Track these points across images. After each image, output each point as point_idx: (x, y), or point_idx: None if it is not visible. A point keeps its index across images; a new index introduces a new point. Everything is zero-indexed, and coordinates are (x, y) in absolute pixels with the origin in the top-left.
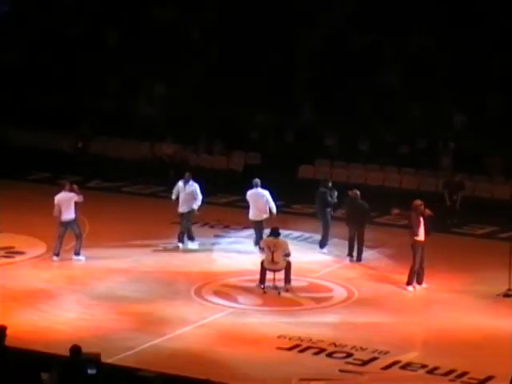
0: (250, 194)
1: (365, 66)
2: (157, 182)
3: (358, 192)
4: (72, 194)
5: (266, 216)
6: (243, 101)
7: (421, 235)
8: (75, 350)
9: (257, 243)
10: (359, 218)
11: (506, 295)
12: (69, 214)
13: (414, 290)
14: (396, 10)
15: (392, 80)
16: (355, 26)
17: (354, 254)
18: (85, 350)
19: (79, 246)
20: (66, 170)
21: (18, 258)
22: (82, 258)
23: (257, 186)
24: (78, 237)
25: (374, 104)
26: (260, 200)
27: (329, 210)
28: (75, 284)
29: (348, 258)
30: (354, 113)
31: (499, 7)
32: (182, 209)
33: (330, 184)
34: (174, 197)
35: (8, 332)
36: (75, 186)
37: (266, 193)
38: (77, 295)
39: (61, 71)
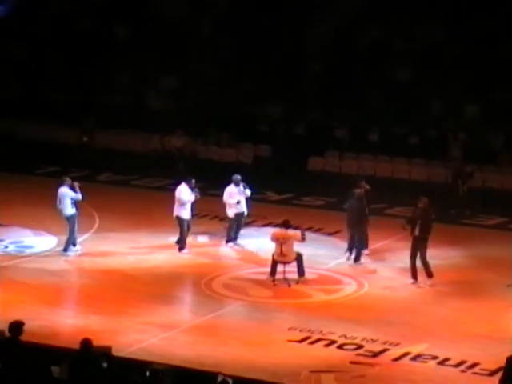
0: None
1: (375, 57)
2: (166, 174)
3: (363, 189)
4: (68, 191)
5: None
6: (252, 93)
7: (416, 230)
8: (86, 343)
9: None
10: (356, 218)
11: None
12: (66, 210)
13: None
14: (407, 2)
15: (402, 71)
16: (367, 18)
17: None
18: (96, 343)
19: (68, 241)
20: (74, 164)
21: (28, 251)
22: (68, 253)
23: (236, 183)
24: (70, 233)
25: (383, 95)
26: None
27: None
28: (85, 278)
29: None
30: (364, 104)
31: None
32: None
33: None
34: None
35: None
36: (77, 184)
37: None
38: (87, 289)
39: (70, 65)
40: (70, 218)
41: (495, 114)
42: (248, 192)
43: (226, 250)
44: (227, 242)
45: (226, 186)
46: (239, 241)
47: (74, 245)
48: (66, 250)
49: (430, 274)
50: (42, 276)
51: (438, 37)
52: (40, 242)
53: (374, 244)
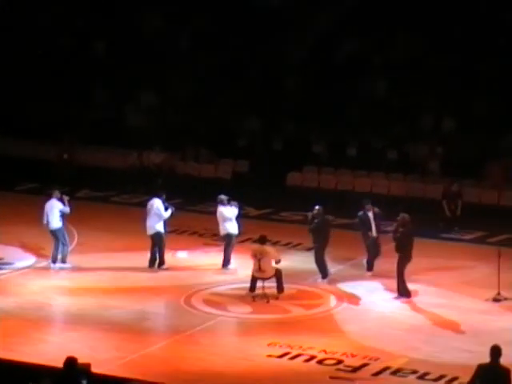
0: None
1: (352, 72)
2: (145, 191)
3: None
4: (57, 203)
5: (223, 232)
6: (231, 109)
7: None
8: (71, 361)
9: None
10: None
11: (496, 300)
12: (53, 223)
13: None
14: (381, 16)
15: (379, 86)
16: (342, 34)
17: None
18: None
19: (60, 253)
20: (54, 181)
21: (7, 269)
22: (57, 266)
23: (222, 203)
24: (59, 246)
25: (361, 110)
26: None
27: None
28: (64, 295)
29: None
30: (342, 119)
31: (487, 8)
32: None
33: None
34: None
35: None
36: (66, 197)
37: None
38: (66, 306)
39: (48, 81)
40: (57, 231)
41: (472, 128)
42: (235, 211)
43: (206, 264)
44: (224, 265)
45: (204, 201)
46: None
47: (54, 261)
48: (64, 261)
49: (405, 293)
50: (20, 293)
51: (415, 50)
52: (19, 258)
53: (352, 259)
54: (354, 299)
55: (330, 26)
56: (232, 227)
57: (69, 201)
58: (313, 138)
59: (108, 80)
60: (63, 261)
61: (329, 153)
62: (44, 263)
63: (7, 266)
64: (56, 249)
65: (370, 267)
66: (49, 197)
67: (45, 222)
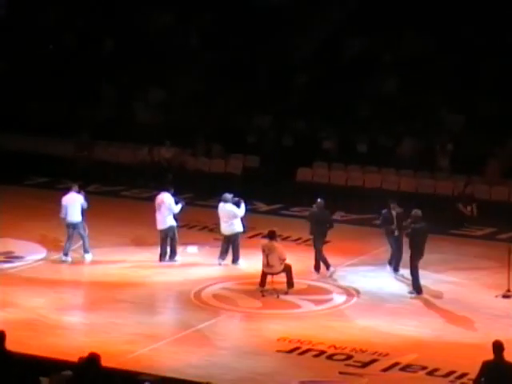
0: (219, 207)
1: (362, 69)
2: (155, 186)
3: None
4: (79, 196)
5: (232, 230)
6: (241, 104)
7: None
8: (94, 358)
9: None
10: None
11: (505, 296)
12: (74, 216)
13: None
14: (391, 14)
15: (389, 83)
16: (352, 30)
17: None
18: (84, 354)
19: (86, 245)
20: (64, 175)
21: (18, 262)
22: (90, 256)
23: (225, 201)
24: (83, 238)
25: (371, 106)
26: (227, 215)
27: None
28: (75, 288)
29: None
30: (352, 115)
31: (493, 8)
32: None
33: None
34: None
35: (9, 336)
36: (82, 191)
37: (234, 208)
38: (77, 299)
39: (58, 78)
40: (79, 224)
41: (481, 125)
42: (243, 208)
43: (215, 259)
44: (234, 261)
45: (214, 197)
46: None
47: (66, 254)
48: (87, 251)
49: (416, 289)
50: (31, 287)
51: (424, 48)
52: (30, 252)
53: (362, 255)
54: (364, 294)
55: (338, 24)
56: (239, 225)
57: (86, 195)
58: (323, 134)
59: (117, 77)
60: (86, 251)
61: (339, 149)
62: (55, 256)
63: (18, 260)
64: (70, 242)
65: (395, 266)
66: (67, 191)
67: (63, 215)
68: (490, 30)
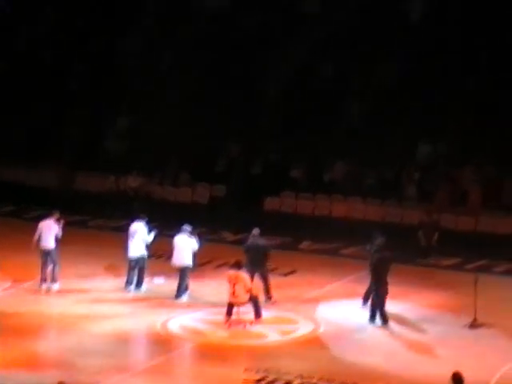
0: (176, 238)
1: (330, 98)
2: (122, 215)
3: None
4: (54, 224)
5: (187, 264)
6: (209, 133)
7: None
8: None
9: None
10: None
11: (472, 326)
12: (47, 242)
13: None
14: (361, 43)
15: (356, 112)
16: (321, 59)
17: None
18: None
19: (55, 274)
20: (33, 203)
21: None
22: (57, 285)
23: (185, 232)
24: (54, 266)
25: (338, 136)
26: (186, 247)
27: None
28: (41, 318)
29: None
30: (320, 144)
31: (462, 35)
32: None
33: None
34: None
35: None
36: (62, 221)
37: (193, 242)
38: (43, 329)
39: (26, 104)
40: (52, 252)
41: (447, 155)
42: (197, 243)
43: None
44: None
45: (180, 226)
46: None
47: (43, 281)
48: (55, 280)
49: (383, 318)
50: None
51: (392, 77)
52: None
53: (329, 284)
54: (331, 324)
55: (308, 51)
56: (191, 259)
57: (64, 225)
58: (291, 163)
59: (85, 104)
60: (55, 280)
61: (307, 178)
62: (19, 287)
63: None
64: (45, 269)
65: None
66: (47, 216)
67: (36, 239)
68: (460, 56)
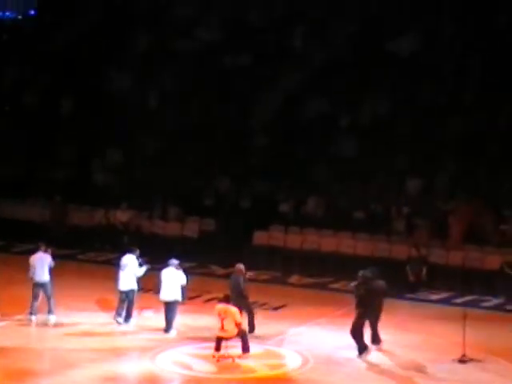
0: (164, 272)
1: (320, 132)
2: (111, 249)
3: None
4: (46, 256)
5: (175, 297)
6: (198, 166)
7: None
8: None
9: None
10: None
11: (461, 361)
12: (41, 276)
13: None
14: (351, 77)
15: (347, 146)
16: (310, 93)
17: None
18: None
19: (51, 306)
20: (20, 238)
21: None
22: (54, 317)
23: (172, 266)
24: (50, 298)
25: (328, 170)
26: (173, 280)
27: None
28: (30, 354)
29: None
30: (309, 179)
31: (454, 70)
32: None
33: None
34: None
35: None
36: (49, 250)
37: (180, 275)
38: (32, 365)
39: (16, 139)
40: (47, 284)
41: (438, 190)
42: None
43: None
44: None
45: (169, 260)
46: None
47: (33, 314)
48: (51, 312)
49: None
50: None
51: (383, 111)
52: None
53: (318, 318)
54: (319, 359)
55: (298, 85)
56: (179, 292)
57: (52, 254)
58: (280, 197)
59: (74, 137)
60: (51, 312)
61: (295, 212)
62: (8, 321)
63: None
64: (36, 301)
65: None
66: (37, 249)
67: (31, 274)
68: (450, 91)
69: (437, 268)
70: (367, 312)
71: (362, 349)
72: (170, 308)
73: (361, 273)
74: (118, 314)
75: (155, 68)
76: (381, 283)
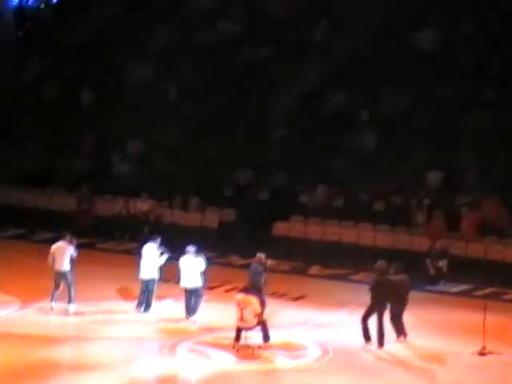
0: (182, 260)
1: (340, 125)
2: (131, 238)
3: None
4: (68, 246)
5: (196, 285)
6: (219, 157)
7: None
8: None
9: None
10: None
11: (481, 353)
12: (62, 265)
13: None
14: (370, 70)
15: (368, 138)
16: (331, 86)
17: None
18: None
19: (71, 295)
20: (41, 227)
21: None
22: (74, 306)
23: (189, 253)
24: (70, 287)
25: (349, 161)
26: (192, 267)
27: None
28: (49, 341)
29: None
30: (329, 170)
31: (474, 64)
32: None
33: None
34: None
35: None
36: (75, 241)
37: (200, 261)
38: (51, 352)
39: (37, 128)
40: (68, 274)
41: (459, 180)
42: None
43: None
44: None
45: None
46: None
47: (53, 301)
48: (71, 301)
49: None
50: (4, 339)
51: (402, 104)
52: (3, 305)
53: (338, 309)
54: (339, 350)
55: (318, 78)
56: (199, 279)
57: (77, 245)
58: (299, 189)
59: (94, 128)
60: (71, 301)
61: (315, 203)
62: (28, 309)
63: None
64: (56, 290)
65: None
66: (59, 238)
67: (50, 262)
68: (470, 86)
69: (457, 260)
70: (376, 304)
71: (365, 338)
72: (191, 295)
73: (376, 264)
74: (140, 304)
75: (176, 60)
76: (401, 277)
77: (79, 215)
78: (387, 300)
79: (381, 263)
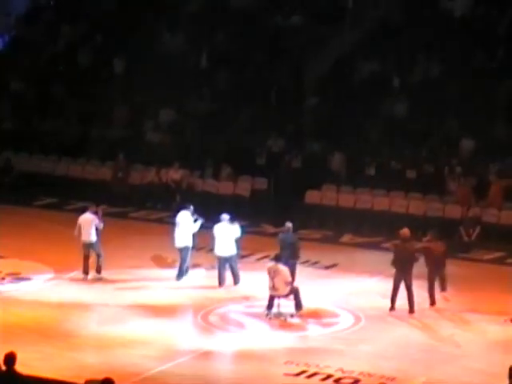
0: (216, 227)
1: (373, 91)
2: (163, 207)
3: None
4: (93, 217)
5: (231, 252)
6: (251, 126)
7: None
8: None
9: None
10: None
11: None
12: (87, 236)
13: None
14: (403, 38)
15: (400, 106)
16: (364, 54)
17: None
18: (93, 375)
19: (99, 265)
20: (74, 196)
21: (25, 283)
22: (101, 276)
23: (224, 221)
24: (98, 257)
25: (381, 129)
26: (226, 235)
27: None
28: (83, 310)
29: None
30: (362, 138)
31: (507, 31)
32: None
33: None
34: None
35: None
36: (100, 212)
37: (234, 229)
38: (85, 321)
39: (68, 98)
40: (94, 244)
41: (492, 149)
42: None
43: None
44: (237, 282)
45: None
46: None
47: (86, 273)
48: (99, 270)
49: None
50: (38, 308)
51: (435, 72)
52: (37, 273)
53: (370, 278)
54: (371, 318)
55: (349, 46)
56: (234, 246)
57: (102, 216)
58: (332, 157)
59: (127, 97)
60: (98, 271)
61: (347, 172)
62: (62, 278)
63: (25, 281)
64: (87, 261)
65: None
66: (85, 210)
67: (76, 233)
68: (502, 54)
69: (490, 228)
70: (398, 271)
71: (391, 304)
72: (225, 263)
73: (401, 231)
74: (178, 274)
75: (207, 28)
76: (437, 244)
77: (115, 184)
78: (409, 267)
79: (404, 230)
